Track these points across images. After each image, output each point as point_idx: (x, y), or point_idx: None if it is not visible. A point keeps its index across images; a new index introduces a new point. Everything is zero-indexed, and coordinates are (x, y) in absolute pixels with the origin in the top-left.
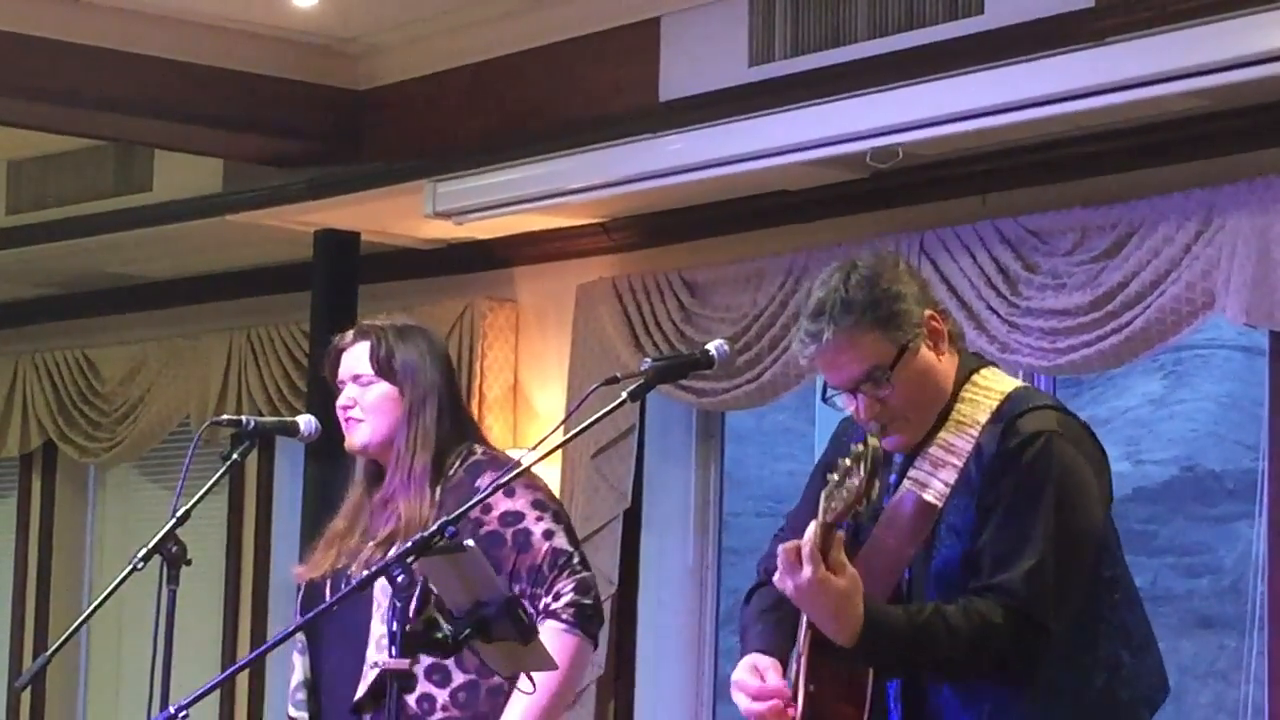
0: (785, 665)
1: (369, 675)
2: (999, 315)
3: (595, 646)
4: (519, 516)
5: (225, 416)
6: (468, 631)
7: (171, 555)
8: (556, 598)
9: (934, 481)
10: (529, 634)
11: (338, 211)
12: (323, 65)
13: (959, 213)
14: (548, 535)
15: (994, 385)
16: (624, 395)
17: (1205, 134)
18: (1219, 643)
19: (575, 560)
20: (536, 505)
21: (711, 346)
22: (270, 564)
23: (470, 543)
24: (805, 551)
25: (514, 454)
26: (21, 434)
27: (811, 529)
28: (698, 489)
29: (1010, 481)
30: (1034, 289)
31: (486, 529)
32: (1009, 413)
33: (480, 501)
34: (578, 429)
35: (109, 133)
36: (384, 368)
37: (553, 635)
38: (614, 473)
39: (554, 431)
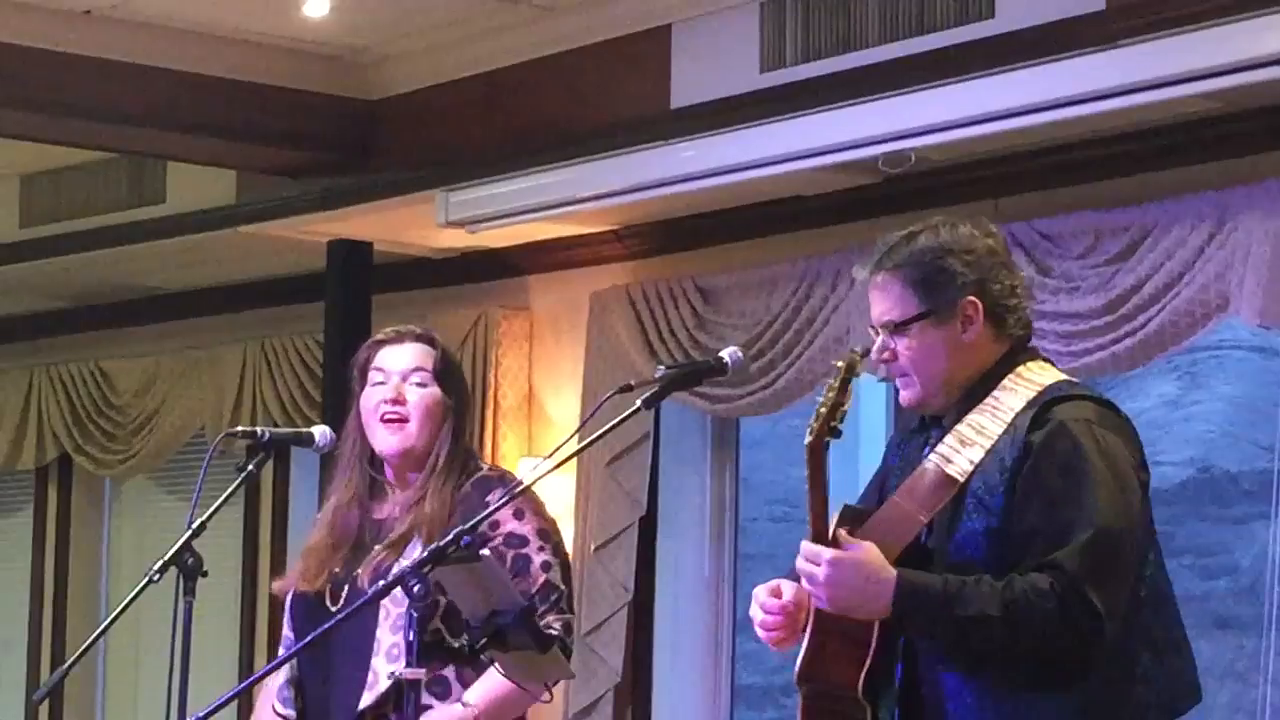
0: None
1: (377, 685)
2: None
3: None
4: (523, 541)
5: (240, 428)
6: (484, 640)
7: (187, 567)
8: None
9: (958, 458)
10: (547, 643)
11: (350, 222)
12: (335, 75)
13: (971, 217)
14: (545, 568)
15: (1036, 378)
16: (638, 403)
17: (1218, 136)
18: (1236, 643)
19: (564, 600)
20: (541, 535)
21: (725, 353)
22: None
23: (486, 552)
24: (809, 549)
25: (529, 462)
26: (37, 447)
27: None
28: (713, 495)
29: (1050, 468)
30: (1047, 292)
31: (490, 545)
32: (1044, 399)
33: (493, 512)
34: (592, 437)
35: (121, 145)
36: (443, 376)
37: None
38: (629, 480)
39: (569, 440)
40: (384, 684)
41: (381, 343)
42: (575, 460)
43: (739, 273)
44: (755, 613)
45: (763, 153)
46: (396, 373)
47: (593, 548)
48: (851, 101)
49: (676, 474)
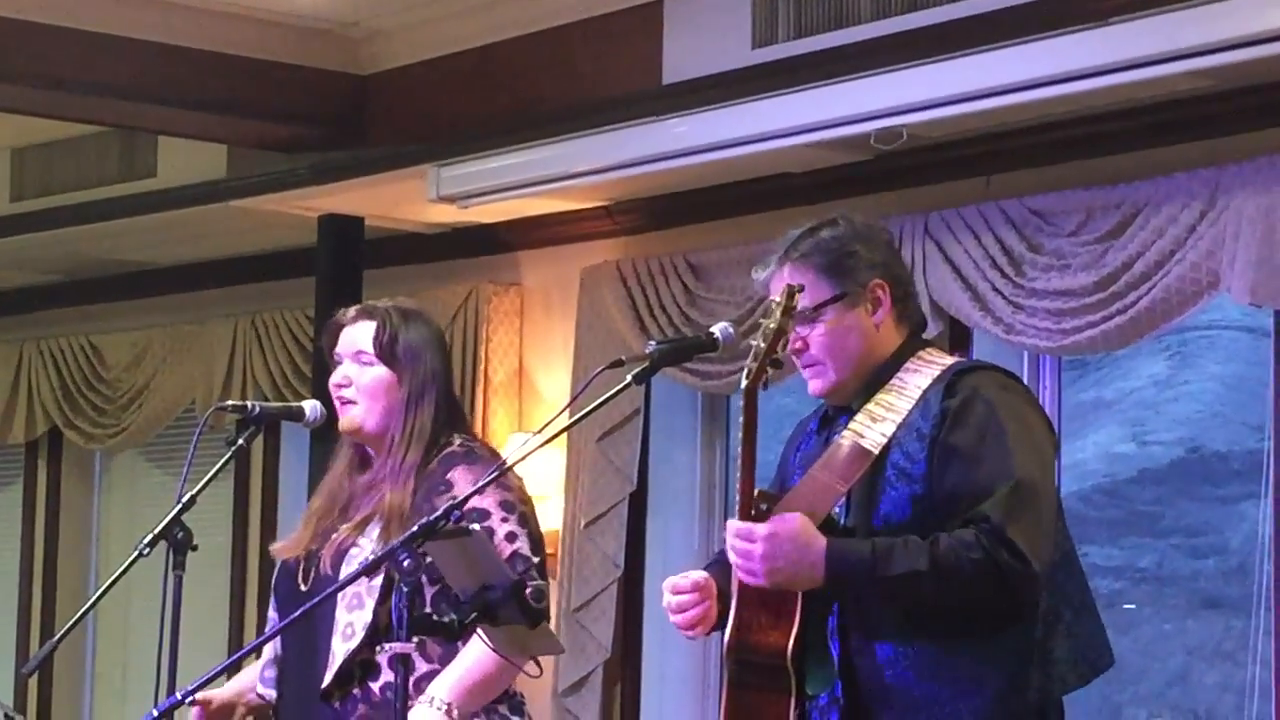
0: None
1: (334, 663)
2: (1003, 296)
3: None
4: (484, 515)
5: (230, 402)
6: (474, 615)
7: (177, 541)
8: None
9: (871, 432)
10: (536, 617)
11: (342, 196)
12: (326, 50)
13: (963, 194)
14: (510, 538)
15: (938, 359)
16: (629, 378)
17: (1210, 114)
18: (1225, 623)
19: (533, 569)
20: (504, 506)
21: (716, 329)
22: None
23: (476, 526)
24: (739, 528)
25: (519, 437)
26: (27, 421)
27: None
28: (703, 472)
29: (967, 431)
30: (1038, 270)
31: (473, 525)
32: (953, 371)
33: (472, 495)
34: (583, 412)
35: (113, 119)
36: (386, 352)
37: None
38: (619, 456)
39: (559, 415)
40: (339, 663)
41: (339, 324)
42: (566, 436)
43: (730, 249)
44: (668, 599)
45: (755, 129)
46: (347, 355)
47: (583, 523)
48: (843, 78)
49: (667, 450)
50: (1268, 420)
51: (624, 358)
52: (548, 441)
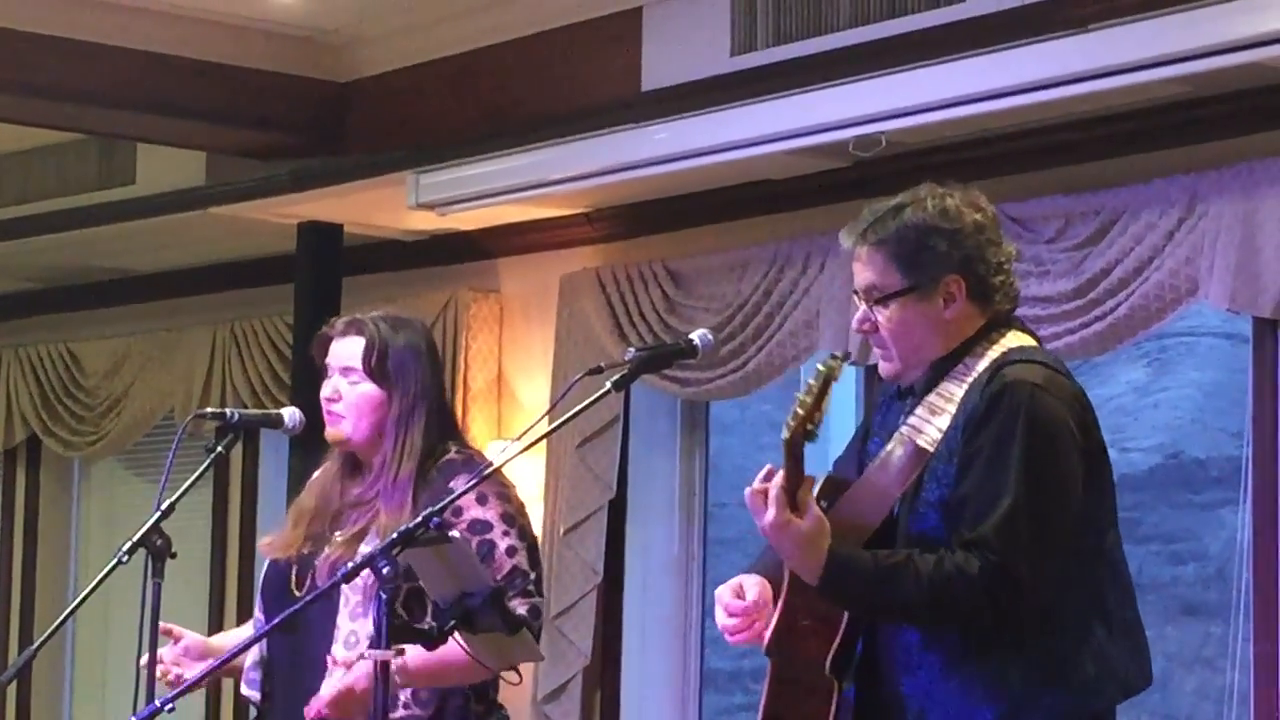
0: (776, 589)
1: (334, 672)
2: None
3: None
4: (487, 526)
5: (209, 409)
6: (453, 622)
7: (156, 548)
8: None
9: (928, 428)
10: (515, 625)
11: (321, 203)
12: (305, 57)
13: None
14: (511, 552)
15: (1006, 343)
16: (608, 385)
17: (1188, 120)
18: (1204, 630)
19: (531, 583)
20: (505, 519)
21: (695, 336)
22: (255, 556)
23: (456, 534)
24: (771, 494)
25: (498, 445)
26: (5, 428)
27: (779, 475)
28: (682, 479)
29: (988, 433)
30: (1017, 276)
31: (452, 532)
32: (1000, 362)
33: (456, 499)
34: (562, 419)
35: (91, 126)
36: (376, 371)
37: None
38: (599, 463)
39: (538, 422)
40: (337, 672)
41: (328, 337)
42: (545, 443)
43: (709, 256)
44: (720, 617)
45: (733, 136)
46: (336, 369)
47: (562, 530)
48: (822, 85)
49: (646, 457)
50: (1246, 426)
51: (603, 364)
52: (527, 448)
